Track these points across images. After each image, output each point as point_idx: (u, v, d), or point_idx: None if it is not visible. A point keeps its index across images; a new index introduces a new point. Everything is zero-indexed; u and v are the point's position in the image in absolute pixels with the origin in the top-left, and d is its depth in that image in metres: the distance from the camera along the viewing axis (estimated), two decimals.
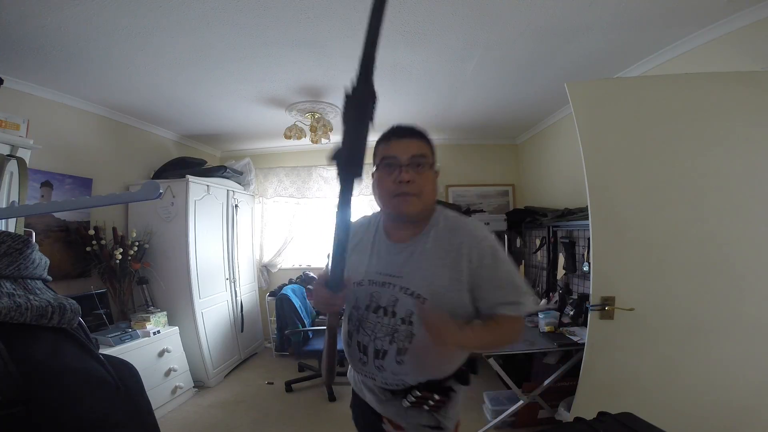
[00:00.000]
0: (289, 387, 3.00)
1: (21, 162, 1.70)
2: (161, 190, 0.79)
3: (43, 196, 2.35)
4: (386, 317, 0.99)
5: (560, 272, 2.84)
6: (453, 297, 0.93)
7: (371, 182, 1.05)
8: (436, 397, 1.00)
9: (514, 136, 4.13)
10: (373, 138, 0.82)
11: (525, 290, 0.96)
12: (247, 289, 3.89)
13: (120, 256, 2.60)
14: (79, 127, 2.67)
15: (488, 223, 3.60)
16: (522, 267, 3.63)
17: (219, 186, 3.42)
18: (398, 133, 1.02)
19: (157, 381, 2.56)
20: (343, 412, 2.62)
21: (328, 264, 1.08)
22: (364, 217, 1.19)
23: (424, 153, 0.99)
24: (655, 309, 1.62)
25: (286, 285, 3.56)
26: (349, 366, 1.16)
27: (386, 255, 1.05)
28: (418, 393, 0.99)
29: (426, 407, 1.01)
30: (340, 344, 1.14)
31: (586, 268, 2.49)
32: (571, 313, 2.48)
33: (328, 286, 0.91)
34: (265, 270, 4.26)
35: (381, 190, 1.01)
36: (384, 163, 0.99)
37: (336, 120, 3.09)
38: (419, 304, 0.83)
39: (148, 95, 2.63)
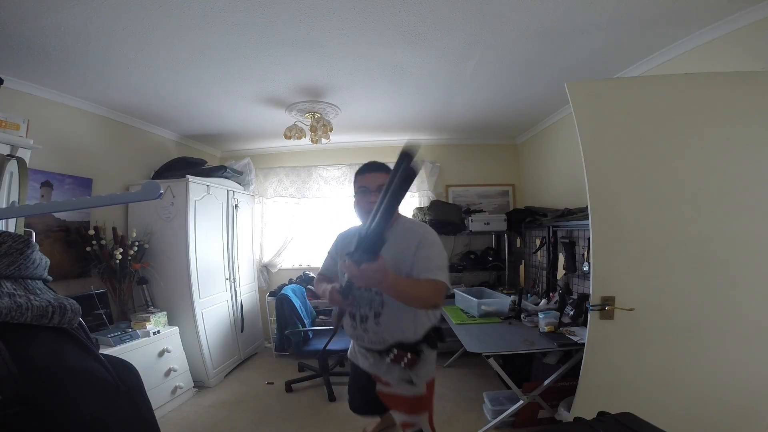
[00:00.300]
0: (289, 387, 3.00)
1: (21, 162, 1.71)
2: (161, 190, 0.79)
3: (43, 196, 2.35)
4: (367, 292, 1.46)
5: (560, 272, 2.84)
6: (404, 270, 1.38)
7: (353, 203, 1.53)
8: (409, 355, 1.43)
9: (514, 136, 4.13)
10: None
11: (442, 266, 1.36)
12: (247, 289, 3.89)
13: (120, 256, 2.60)
14: (79, 127, 2.67)
15: (488, 223, 3.60)
16: (522, 267, 3.63)
17: (219, 186, 3.42)
18: (368, 169, 1.52)
19: (157, 381, 2.56)
20: (344, 412, 2.63)
21: (326, 260, 1.73)
22: (353, 227, 1.69)
23: (386, 181, 1.41)
24: (655, 309, 1.62)
25: (286, 285, 3.56)
26: (350, 344, 1.70)
27: None
28: (395, 351, 1.43)
29: (402, 364, 1.44)
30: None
31: (586, 268, 2.49)
32: (571, 313, 2.48)
33: (342, 293, 1.31)
34: (265, 270, 4.26)
35: (359, 209, 1.51)
36: (360, 190, 1.49)
37: (336, 120, 3.09)
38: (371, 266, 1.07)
39: (148, 95, 2.63)
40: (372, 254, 1.02)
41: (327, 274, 1.69)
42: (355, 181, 1.55)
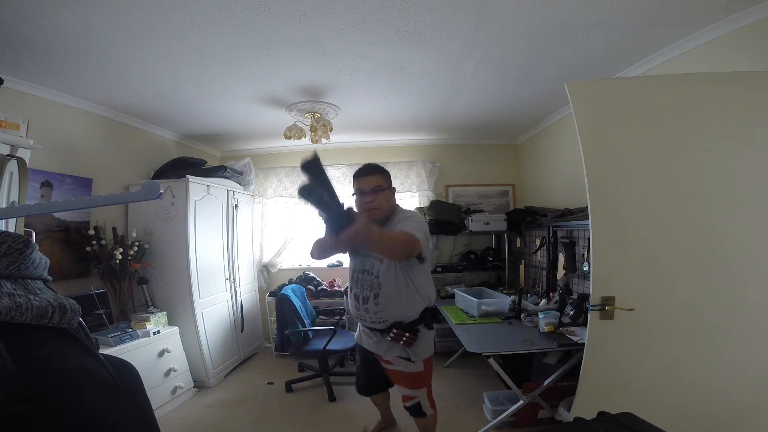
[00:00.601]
0: (289, 387, 3.00)
1: (21, 162, 1.70)
2: (161, 190, 0.79)
3: (43, 196, 2.35)
4: (368, 276, 1.68)
5: (560, 272, 2.84)
6: None
7: (354, 201, 1.71)
8: (407, 334, 1.62)
9: (514, 136, 4.13)
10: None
11: (418, 229, 1.53)
12: (247, 289, 3.89)
13: (120, 256, 2.60)
14: (79, 127, 2.67)
15: (488, 223, 3.60)
16: (522, 267, 3.63)
17: (219, 186, 3.42)
18: (362, 173, 1.69)
19: (157, 381, 2.56)
20: (343, 412, 2.63)
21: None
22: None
23: (380, 184, 1.67)
24: (655, 309, 1.62)
25: (286, 285, 3.56)
26: (357, 328, 1.91)
27: None
28: (394, 331, 1.62)
29: (401, 342, 1.63)
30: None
31: (586, 268, 2.49)
32: (571, 313, 2.48)
33: (331, 230, 1.28)
34: (265, 270, 4.26)
35: (359, 207, 1.70)
36: (357, 191, 1.69)
37: (336, 120, 3.09)
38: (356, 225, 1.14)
39: (148, 95, 2.63)
40: (344, 222, 1.09)
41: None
42: (353, 184, 1.73)
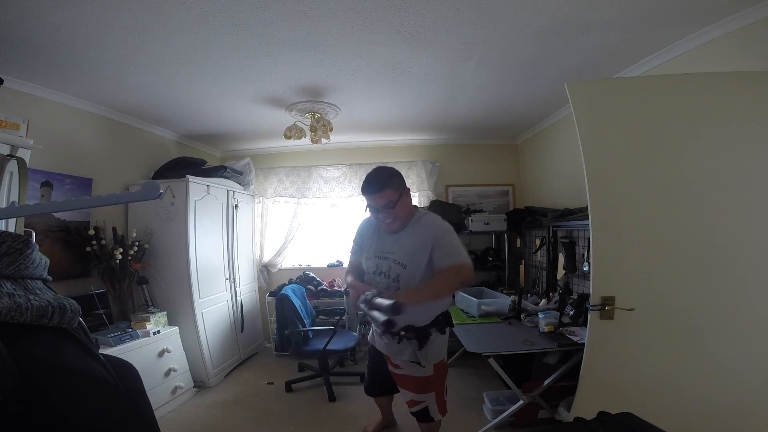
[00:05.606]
0: (289, 387, 3.00)
1: (21, 162, 1.70)
2: (161, 190, 0.79)
3: (43, 196, 2.35)
4: (385, 278, 1.63)
5: (560, 272, 2.84)
6: (420, 262, 1.56)
7: (369, 212, 1.69)
8: (418, 335, 1.59)
9: (514, 136, 4.13)
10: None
11: (460, 251, 1.52)
12: (247, 289, 3.89)
13: (120, 256, 2.60)
14: (79, 127, 2.67)
15: (488, 223, 3.60)
16: (522, 267, 3.63)
17: (219, 186, 3.42)
18: (367, 192, 1.60)
19: (157, 381, 2.56)
20: (343, 412, 2.63)
21: (353, 248, 1.85)
22: (368, 218, 1.81)
23: (389, 198, 1.58)
24: (655, 309, 1.62)
25: (286, 285, 3.56)
26: (371, 328, 1.89)
27: (385, 240, 1.69)
28: (402, 332, 1.62)
29: (413, 340, 1.61)
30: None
31: (586, 268, 2.49)
32: (571, 313, 2.48)
33: (361, 303, 1.49)
34: (265, 270, 4.26)
35: (374, 220, 1.70)
36: (369, 207, 1.64)
37: (336, 120, 3.09)
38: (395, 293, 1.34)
39: (147, 95, 2.63)
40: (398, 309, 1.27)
41: (356, 262, 1.82)
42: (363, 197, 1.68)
